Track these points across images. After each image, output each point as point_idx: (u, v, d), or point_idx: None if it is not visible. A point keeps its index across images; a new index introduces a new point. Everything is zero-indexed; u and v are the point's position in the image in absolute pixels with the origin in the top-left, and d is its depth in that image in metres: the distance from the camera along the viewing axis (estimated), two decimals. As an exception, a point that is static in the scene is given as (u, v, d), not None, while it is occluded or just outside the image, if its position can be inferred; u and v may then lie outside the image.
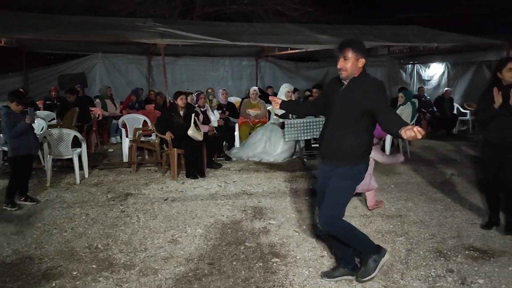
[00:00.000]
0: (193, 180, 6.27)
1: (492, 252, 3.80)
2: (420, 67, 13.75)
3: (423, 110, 10.15)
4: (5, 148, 6.09)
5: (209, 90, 9.51)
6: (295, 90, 9.13)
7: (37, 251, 3.86)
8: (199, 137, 6.40)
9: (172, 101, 6.75)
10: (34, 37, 8.17)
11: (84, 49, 11.68)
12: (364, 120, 2.96)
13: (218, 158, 7.48)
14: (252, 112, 8.44)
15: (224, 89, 8.87)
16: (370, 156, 3.20)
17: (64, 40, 9.05)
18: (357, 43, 3.00)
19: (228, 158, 7.59)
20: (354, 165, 3.03)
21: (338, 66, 3.00)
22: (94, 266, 3.57)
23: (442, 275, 3.40)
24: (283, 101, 3.54)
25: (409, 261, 3.64)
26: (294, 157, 7.70)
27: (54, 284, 3.26)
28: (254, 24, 10.35)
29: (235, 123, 8.39)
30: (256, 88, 9.00)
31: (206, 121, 7.34)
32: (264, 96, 9.73)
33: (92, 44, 10.80)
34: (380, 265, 3.21)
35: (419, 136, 2.50)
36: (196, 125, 6.43)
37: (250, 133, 8.21)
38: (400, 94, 8.15)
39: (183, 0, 13.76)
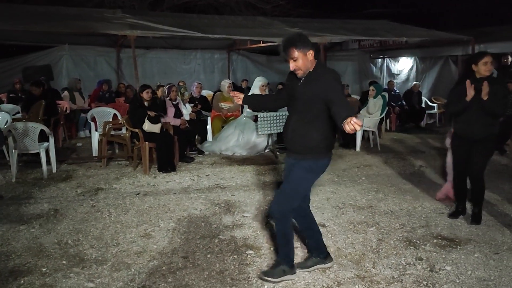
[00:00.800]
0: (165, 174, 6.20)
1: (459, 240, 3.93)
2: (390, 61, 14.00)
3: (392, 103, 10.33)
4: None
5: (181, 83, 9.39)
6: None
7: (3, 248, 3.73)
8: (155, 130, 6.32)
9: (137, 94, 6.63)
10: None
11: (49, 41, 11.24)
12: (326, 113, 2.91)
13: (190, 152, 7.42)
14: (224, 105, 8.40)
15: (199, 83, 8.78)
16: None
17: (29, 30, 8.72)
18: (298, 38, 2.93)
19: (201, 152, 7.54)
20: (318, 159, 3.01)
21: (291, 69, 2.97)
22: (64, 262, 3.49)
23: (412, 263, 3.49)
24: (245, 95, 3.42)
25: (380, 250, 3.72)
26: (267, 150, 7.72)
27: (22, 281, 3.17)
28: (226, 17, 10.28)
29: (208, 116, 8.33)
30: (230, 81, 8.95)
31: (178, 114, 7.26)
32: (237, 90, 9.69)
33: (59, 35, 10.43)
34: (285, 278, 3.16)
35: (358, 128, 2.45)
36: (154, 119, 6.36)
37: (222, 127, 8.17)
38: (371, 88, 8.29)
39: (153, -9, 13.53)
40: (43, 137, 6.10)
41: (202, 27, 8.31)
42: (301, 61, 2.91)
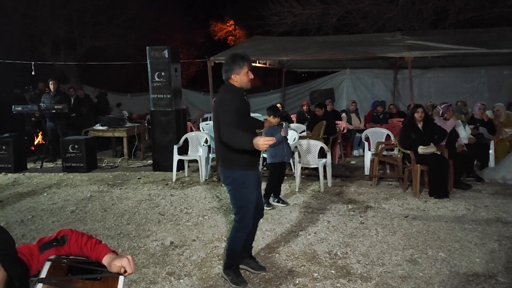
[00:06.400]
0: (436, 199, 5.89)
1: None
2: None
3: None
4: (265, 155, 7.06)
5: (459, 103, 8.74)
6: None
7: (291, 248, 4.31)
8: (431, 150, 6.03)
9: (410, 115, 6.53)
10: (292, 58, 9.20)
11: (333, 66, 12.47)
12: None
13: (467, 178, 6.79)
14: (508, 130, 7.33)
15: (482, 103, 7.95)
16: None
17: (317, 59, 9.87)
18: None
19: (480, 179, 6.80)
20: (230, 170, 3.34)
21: (252, 77, 3.34)
22: (332, 271, 3.77)
23: None
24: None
25: None
26: None
27: (297, 281, 3.60)
28: (520, 27, 8.99)
29: (491, 140, 7.45)
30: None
31: (454, 136, 6.78)
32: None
33: (341, 61, 11.42)
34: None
35: None
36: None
37: (509, 152, 7.15)
38: None
39: (435, 9, 13.06)
40: (322, 154, 6.78)
41: (489, 41, 7.53)
42: None
